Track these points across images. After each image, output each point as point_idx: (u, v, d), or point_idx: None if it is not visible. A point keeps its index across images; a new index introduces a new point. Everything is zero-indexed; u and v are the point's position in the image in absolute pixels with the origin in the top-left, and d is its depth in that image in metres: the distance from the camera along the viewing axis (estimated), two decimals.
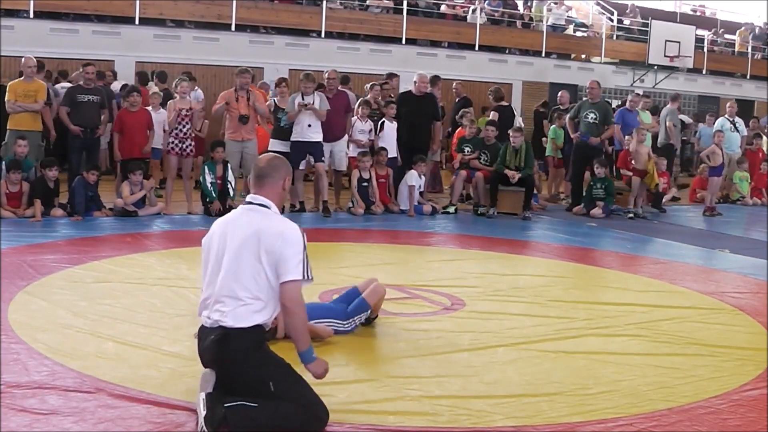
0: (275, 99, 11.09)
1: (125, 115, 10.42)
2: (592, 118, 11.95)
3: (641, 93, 16.70)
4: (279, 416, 3.57)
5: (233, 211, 3.97)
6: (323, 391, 4.22)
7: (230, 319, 3.64)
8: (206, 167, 10.15)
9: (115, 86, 13.06)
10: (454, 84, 15.23)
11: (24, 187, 9.40)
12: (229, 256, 3.71)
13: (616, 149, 13.04)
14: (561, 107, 13.60)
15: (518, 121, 13.59)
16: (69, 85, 11.60)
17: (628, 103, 13.79)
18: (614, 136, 12.86)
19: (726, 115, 15.44)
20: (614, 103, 18.02)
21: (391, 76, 13.57)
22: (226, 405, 3.52)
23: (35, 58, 10.43)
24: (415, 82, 11.70)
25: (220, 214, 9.94)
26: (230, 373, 3.67)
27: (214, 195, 10.07)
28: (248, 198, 3.87)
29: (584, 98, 12.67)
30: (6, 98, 9.99)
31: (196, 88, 13.14)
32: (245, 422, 3.52)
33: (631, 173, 12.06)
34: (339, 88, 11.47)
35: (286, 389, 3.64)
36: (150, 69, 14.39)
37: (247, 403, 3.55)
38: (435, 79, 13.05)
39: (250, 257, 3.66)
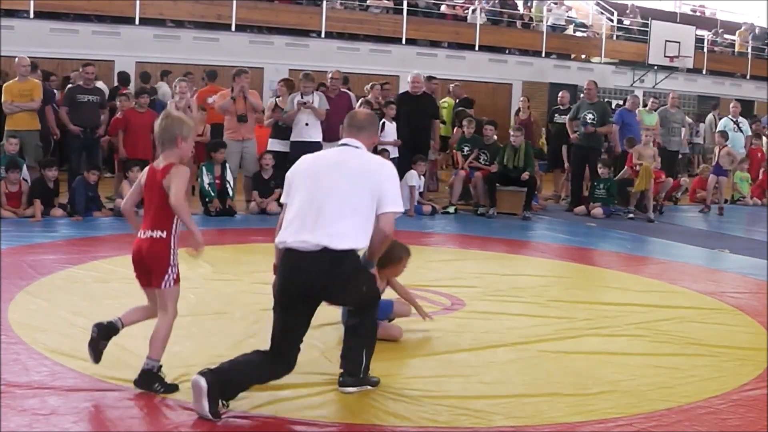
0: (277, 99, 11.09)
1: (132, 115, 10.43)
2: (590, 118, 11.96)
3: (641, 93, 16.73)
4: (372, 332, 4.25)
5: (329, 150, 4.39)
6: (324, 391, 4.22)
7: (341, 243, 3.92)
8: (204, 168, 10.14)
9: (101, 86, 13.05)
10: (451, 86, 15.24)
11: (23, 186, 9.41)
12: (333, 188, 4.01)
13: (611, 146, 13.05)
14: (561, 107, 13.62)
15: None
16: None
17: (628, 104, 13.79)
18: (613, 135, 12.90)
19: (729, 116, 15.46)
20: (614, 103, 18.02)
21: (431, 78, 13.67)
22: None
23: (35, 58, 10.45)
24: (409, 83, 11.76)
25: (220, 213, 9.97)
26: (338, 289, 4.04)
27: (213, 194, 10.06)
28: (344, 141, 4.25)
29: (582, 98, 12.66)
30: (2, 99, 10.00)
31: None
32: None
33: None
34: (341, 88, 11.51)
35: (371, 283, 4.25)
36: (150, 69, 14.41)
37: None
38: (430, 80, 13.22)
39: (355, 189, 4.02)
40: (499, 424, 3.84)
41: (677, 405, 4.16)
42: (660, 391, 4.36)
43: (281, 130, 10.72)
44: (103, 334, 4.16)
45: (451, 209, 11.33)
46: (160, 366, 4.09)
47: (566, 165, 13.01)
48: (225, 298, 5.98)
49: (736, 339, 5.51)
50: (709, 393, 4.35)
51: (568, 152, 12.73)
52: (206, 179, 10.07)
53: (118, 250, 7.59)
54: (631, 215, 11.66)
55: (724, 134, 13.50)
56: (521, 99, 14.78)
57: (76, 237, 8.25)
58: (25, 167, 9.72)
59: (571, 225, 10.88)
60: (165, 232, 4.10)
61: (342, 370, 4.21)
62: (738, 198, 14.84)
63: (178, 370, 4.34)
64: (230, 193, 10.22)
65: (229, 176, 10.19)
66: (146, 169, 4.27)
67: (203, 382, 3.68)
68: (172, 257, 4.10)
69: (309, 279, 3.93)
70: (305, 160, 4.25)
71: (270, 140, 10.95)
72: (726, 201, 13.68)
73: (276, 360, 4.00)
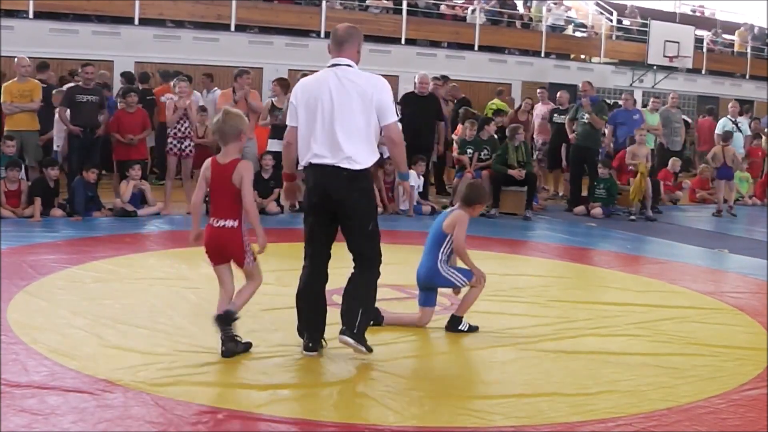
0: (273, 99, 11.07)
1: (122, 115, 10.43)
2: (587, 118, 11.96)
3: (640, 94, 16.73)
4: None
5: (322, 72, 4.72)
6: (322, 391, 4.22)
7: (356, 162, 4.51)
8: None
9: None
10: (449, 86, 15.22)
11: (23, 185, 9.41)
12: (342, 108, 4.52)
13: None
14: (560, 107, 13.62)
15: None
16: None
17: (622, 103, 13.83)
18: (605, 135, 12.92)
19: (728, 116, 15.46)
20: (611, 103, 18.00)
21: (445, 78, 13.81)
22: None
23: (35, 58, 10.44)
24: (415, 83, 11.72)
25: None
26: (351, 203, 4.56)
27: None
28: (333, 60, 4.69)
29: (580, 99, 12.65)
30: (2, 100, 9.99)
31: (215, 89, 13.10)
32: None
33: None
34: None
35: (376, 233, 4.67)
36: (150, 69, 14.40)
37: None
38: (444, 80, 13.33)
39: (361, 107, 4.53)
40: (499, 424, 3.84)
41: (677, 405, 4.16)
42: (660, 391, 4.36)
43: (281, 130, 10.69)
44: (224, 322, 4.65)
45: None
46: (237, 317, 4.68)
47: (564, 164, 13.02)
48: None
49: (736, 339, 5.51)
50: (709, 393, 4.35)
51: (567, 152, 12.74)
52: None
53: (117, 251, 7.60)
54: (632, 216, 11.63)
55: (726, 135, 13.47)
56: (525, 100, 14.71)
57: (75, 237, 8.25)
58: (24, 168, 9.72)
59: (571, 225, 10.89)
60: (236, 222, 4.66)
61: (343, 327, 4.59)
62: (737, 198, 14.83)
63: (179, 370, 4.34)
64: None
65: None
66: (208, 162, 4.73)
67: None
68: (245, 242, 4.70)
69: (331, 188, 4.52)
70: (306, 84, 4.70)
71: (270, 140, 10.94)
72: (725, 201, 13.67)
73: (317, 263, 4.68)
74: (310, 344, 4.67)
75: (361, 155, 4.55)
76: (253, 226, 4.63)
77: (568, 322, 5.74)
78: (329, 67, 4.71)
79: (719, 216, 12.64)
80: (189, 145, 10.30)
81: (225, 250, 4.69)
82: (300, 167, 4.70)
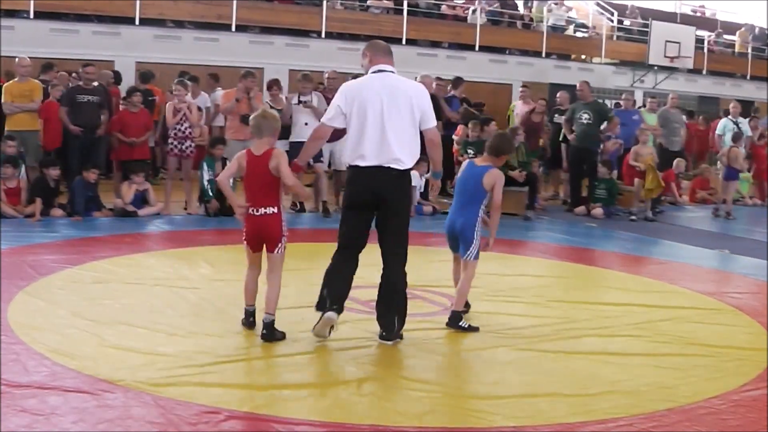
0: (268, 101, 11.06)
1: (126, 115, 10.43)
2: (585, 118, 11.96)
3: (641, 94, 16.73)
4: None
5: (368, 78, 5.05)
6: (323, 392, 4.22)
7: (403, 163, 4.95)
8: (205, 164, 10.13)
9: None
10: (449, 86, 15.22)
11: (22, 183, 9.40)
12: (391, 112, 4.90)
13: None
14: (561, 108, 13.62)
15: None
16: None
17: (623, 104, 13.79)
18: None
19: (729, 116, 15.45)
20: (612, 104, 17.99)
21: (459, 80, 14.00)
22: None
23: (35, 58, 10.43)
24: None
25: (219, 213, 9.97)
26: (396, 201, 5.02)
27: (210, 194, 10.02)
28: (378, 67, 5.04)
29: (578, 99, 12.65)
30: (2, 100, 10.00)
31: (218, 89, 13.08)
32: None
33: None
34: None
35: (408, 233, 5.13)
36: (150, 69, 14.39)
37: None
38: (458, 81, 13.33)
39: (408, 113, 4.94)
40: (499, 424, 3.84)
41: (677, 405, 4.16)
42: (660, 392, 4.36)
43: (282, 130, 10.71)
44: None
45: None
46: (274, 319, 5.00)
47: (564, 165, 13.02)
48: (225, 299, 5.97)
49: (736, 339, 5.51)
50: (709, 393, 4.35)
51: (566, 153, 12.74)
52: (206, 175, 10.05)
53: (117, 251, 7.60)
54: (633, 217, 11.63)
55: (736, 136, 13.42)
56: (540, 101, 14.53)
57: (75, 237, 8.25)
58: (24, 168, 9.71)
59: (571, 225, 10.88)
60: (276, 208, 5.01)
61: (382, 331, 5.09)
62: (737, 198, 14.83)
63: (179, 370, 4.34)
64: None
65: None
66: (243, 153, 5.07)
67: (334, 315, 4.92)
68: (283, 228, 5.03)
69: (380, 187, 4.93)
70: (355, 90, 5.01)
71: None
72: (725, 202, 13.66)
73: (352, 253, 5.10)
74: (335, 306, 5.00)
75: (406, 157, 4.97)
76: (301, 197, 5.14)
77: (569, 323, 5.74)
78: (374, 73, 5.05)
79: (717, 216, 12.63)
80: (190, 145, 10.30)
81: (265, 235, 5.02)
82: (344, 166, 5.19)
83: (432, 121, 5.06)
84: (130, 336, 4.94)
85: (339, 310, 5.03)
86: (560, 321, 5.77)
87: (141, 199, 9.90)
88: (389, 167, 4.92)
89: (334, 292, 5.05)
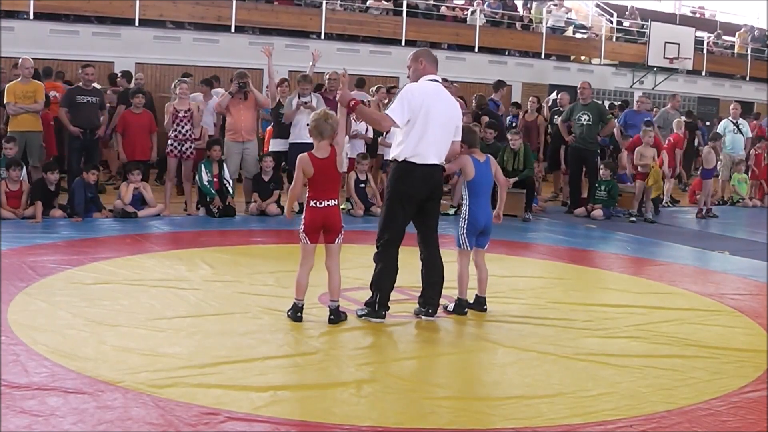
0: (278, 97, 11.08)
1: (129, 116, 10.43)
2: (585, 119, 11.96)
3: (641, 94, 16.72)
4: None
5: (431, 84, 5.60)
6: (322, 393, 4.22)
7: (443, 164, 5.70)
8: (203, 165, 10.15)
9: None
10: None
11: (24, 186, 9.41)
12: (447, 118, 5.58)
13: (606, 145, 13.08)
14: (560, 108, 13.63)
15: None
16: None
17: (635, 105, 13.77)
18: (615, 136, 12.93)
19: (729, 117, 15.46)
20: (608, 104, 18.00)
21: (501, 83, 14.15)
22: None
23: (35, 59, 10.43)
24: None
25: (221, 212, 9.99)
26: (440, 194, 5.81)
27: (213, 193, 10.06)
28: (433, 76, 5.65)
29: (578, 99, 12.66)
30: (5, 101, 10.00)
31: (218, 89, 13.07)
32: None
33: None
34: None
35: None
36: (150, 70, 14.41)
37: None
38: (499, 84, 13.71)
39: (453, 124, 5.66)
40: (499, 426, 3.84)
41: (677, 407, 4.16)
42: (660, 393, 4.36)
43: (283, 130, 10.72)
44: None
45: (451, 211, 11.33)
46: (339, 304, 5.46)
47: (563, 166, 13.03)
48: (225, 300, 5.98)
49: (735, 341, 5.51)
50: (708, 395, 4.35)
51: (566, 153, 12.75)
52: (205, 177, 10.08)
53: (117, 252, 7.60)
54: (633, 218, 11.63)
55: (713, 137, 13.47)
56: (531, 99, 14.59)
57: (75, 238, 8.25)
58: (24, 169, 9.72)
59: (571, 227, 10.89)
60: (337, 200, 5.43)
61: (427, 308, 5.69)
62: (737, 200, 14.84)
63: (179, 371, 4.34)
64: (230, 191, 10.23)
65: (226, 174, 10.21)
66: (307, 158, 5.35)
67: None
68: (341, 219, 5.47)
69: (435, 184, 5.61)
70: (422, 93, 5.50)
71: (272, 140, 10.98)
72: (725, 202, 13.67)
73: (397, 251, 5.60)
74: (385, 312, 5.60)
75: (444, 158, 5.69)
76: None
77: (568, 324, 5.74)
78: (430, 81, 5.63)
79: (701, 217, 12.56)
80: (190, 147, 10.30)
81: (329, 224, 5.37)
82: (392, 159, 5.64)
83: (459, 135, 5.74)
84: (130, 337, 4.94)
85: (387, 310, 5.59)
86: (560, 322, 5.77)
87: (140, 200, 9.91)
88: (441, 166, 5.65)
89: (385, 297, 5.54)
